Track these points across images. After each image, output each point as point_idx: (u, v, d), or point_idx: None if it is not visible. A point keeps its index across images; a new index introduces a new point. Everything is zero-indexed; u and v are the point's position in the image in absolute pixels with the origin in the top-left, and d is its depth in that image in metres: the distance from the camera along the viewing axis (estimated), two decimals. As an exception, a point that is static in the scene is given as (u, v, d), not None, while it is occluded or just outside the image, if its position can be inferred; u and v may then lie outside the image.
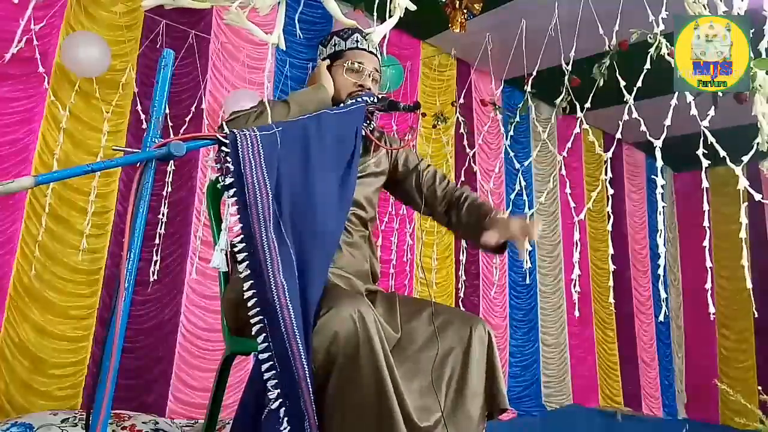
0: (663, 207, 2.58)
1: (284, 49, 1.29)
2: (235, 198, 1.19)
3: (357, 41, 1.61)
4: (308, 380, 1.13)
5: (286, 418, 1.12)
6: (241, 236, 1.17)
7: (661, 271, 2.32)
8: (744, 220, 2.07)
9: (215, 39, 3.86)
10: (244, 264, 1.16)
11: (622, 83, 2.76)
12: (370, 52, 1.62)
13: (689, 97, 2.25)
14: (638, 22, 2.57)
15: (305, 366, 1.13)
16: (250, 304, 1.15)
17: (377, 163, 1.65)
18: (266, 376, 1.13)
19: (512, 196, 4.36)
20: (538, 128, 3.99)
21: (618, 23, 2.86)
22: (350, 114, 1.46)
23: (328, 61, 1.62)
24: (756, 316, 2.42)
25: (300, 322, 1.14)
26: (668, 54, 2.40)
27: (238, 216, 1.18)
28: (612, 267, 2.89)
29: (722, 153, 2.21)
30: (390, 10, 1.36)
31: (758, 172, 2.54)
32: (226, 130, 1.25)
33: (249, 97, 3.57)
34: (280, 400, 1.12)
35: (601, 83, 2.97)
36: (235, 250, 1.18)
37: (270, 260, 1.16)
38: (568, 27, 3.38)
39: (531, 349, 5.49)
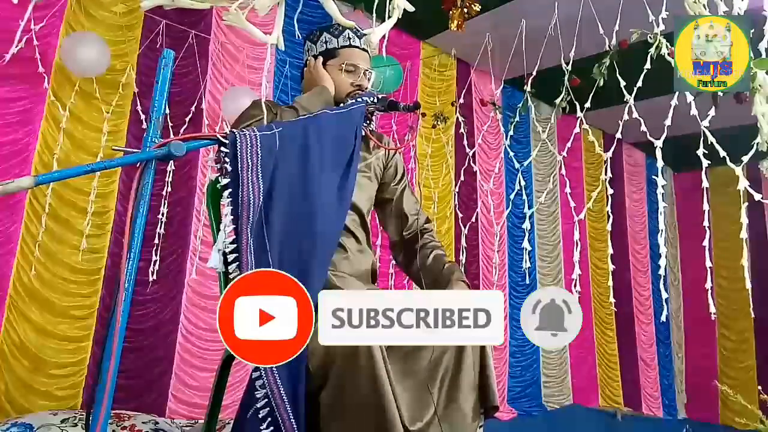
0: (663, 207, 2.58)
1: (283, 49, 1.29)
2: (231, 199, 1.19)
3: (349, 38, 1.61)
4: (278, 382, 1.14)
5: (269, 419, 1.13)
6: (233, 237, 1.18)
7: (662, 272, 2.32)
8: (744, 220, 2.07)
9: (215, 39, 3.86)
10: (234, 265, 1.17)
11: (622, 83, 2.76)
12: (363, 50, 1.62)
13: (689, 97, 2.25)
14: (638, 22, 2.58)
15: (274, 370, 1.14)
16: None
17: (377, 164, 1.65)
18: (254, 375, 1.15)
19: (512, 196, 4.37)
20: (538, 128, 3.99)
21: (618, 23, 2.86)
22: (350, 114, 1.46)
23: (321, 59, 1.62)
24: (754, 315, 2.43)
25: None
26: (668, 54, 2.40)
27: (232, 217, 1.19)
28: (612, 267, 2.89)
29: (722, 153, 2.22)
30: (389, 11, 1.36)
31: (758, 172, 2.54)
32: (226, 129, 1.25)
33: (245, 94, 3.57)
34: (266, 400, 1.14)
35: (601, 83, 2.97)
36: (227, 250, 1.18)
37: (251, 263, 1.17)
38: (568, 27, 3.38)
39: (531, 349, 5.49)
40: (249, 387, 1.26)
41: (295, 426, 1.14)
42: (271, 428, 1.13)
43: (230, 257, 1.18)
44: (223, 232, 1.24)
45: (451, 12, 3.14)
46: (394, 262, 1.77)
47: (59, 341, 3.15)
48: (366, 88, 1.59)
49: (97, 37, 3.22)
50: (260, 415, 1.13)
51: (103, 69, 3.23)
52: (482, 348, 1.41)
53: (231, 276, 1.17)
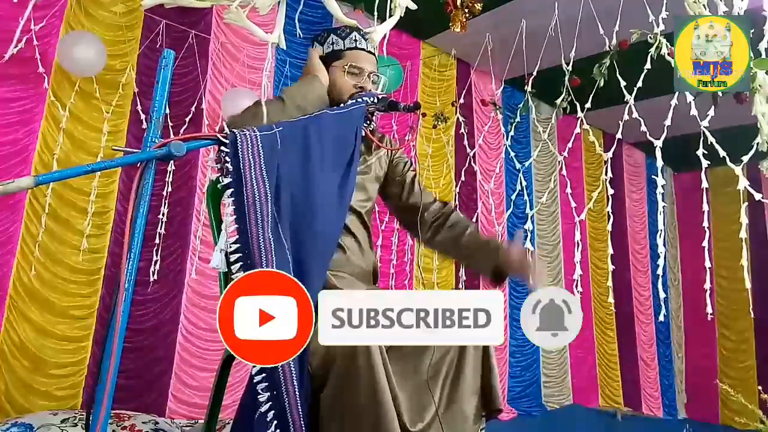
0: (663, 207, 2.58)
1: (284, 48, 1.29)
2: (234, 198, 1.19)
3: (356, 41, 1.60)
4: (295, 383, 1.12)
5: (275, 422, 1.12)
6: (237, 236, 1.17)
7: (660, 271, 2.32)
8: (744, 220, 2.07)
9: (215, 39, 3.86)
10: (238, 265, 1.16)
11: (622, 83, 2.76)
12: (368, 52, 1.62)
13: (689, 97, 2.25)
14: (638, 22, 2.58)
15: (292, 369, 1.12)
16: None
17: (378, 164, 1.65)
18: (257, 378, 1.13)
19: (513, 196, 4.36)
20: (538, 128, 4.00)
21: (618, 23, 2.86)
22: (350, 114, 1.46)
23: (320, 50, 1.61)
24: (753, 315, 2.42)
25: None
26: (668, 54, 2.40)
27: (235, 216, 1.18)
28: (612, 267, 2.89)
29: (722, 153, 2.21)
30: (390, 10, 1.36)
31: (758, 172, 2.54)
32: (227, 131, 1.25)
33: (245, 95, 3.57)
34: (270, 403, 1.12)
35: (601, 83, 2.97)
36: (229, 250, 1.17)
37: (266, 261, 1.16)
38: (568, 27, 3.38)
39: (531, 349, 5.49)
40: (249, 387, 1.26)
41: (304, 427, 1.13)
42: (278, 430, 1.12)
43: (233, 257, 1.17)
44: (225, 232, 1.23)
45: (452, 13, 3.14)
46: (410, 240, 1.76)
47: (59, 341, 3.15)
48: (369, 90, 1.58)
49: (93, 36, 3.22)
50: (268, 418, 1.12)
51: (100, 68, 3.23)
52: (485, 350, 1.41)
53: (233, 275, 1.16)
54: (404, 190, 1.66)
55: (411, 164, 1.72)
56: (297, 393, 1.13)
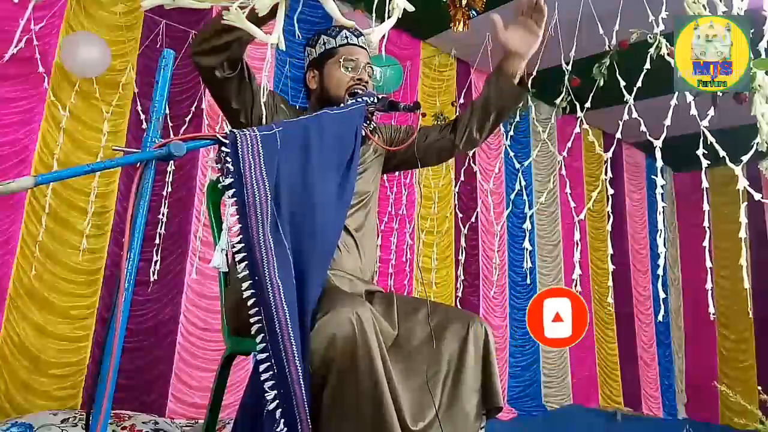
0: (663, 207, 2.58)
1: (284, 49, 1.28)
2: (235, 198, 1.19)
3: (347, 37, 1.61)
4: (301, 383, 1.12)
5: (282, 419, 1.11)
6: (240, 236, 1.17)
7: (661, 271, 2.32)
8: (744, 220, 2.07)
9: (215, 39, 3.86)
10: (243, 264, 1.16)
11: (622, 83, 2.76)
12: (361, 47, 1.63)
13: (689, 97, 2.24)
14: (638, 22, 2.57)
15: (299, 368, 1.12)
16: (249, 303, 1.14)
17: (375, 149, 1.66)
18: (264, 377, 1.13)
19: (512, 196, 4.36)
20: (538, 128, 3.99)
21: (618, 23, 2.86)
22: (350, 114, 1.46)
23: (313, 52, 1.64)
24: (752, 315, 2.42)
25: (296, 323, 1.14)
26: (668, 54, 2.40)
27: (237, 216, 1.18)
28: (612, 267, 2.89)
29: (722, 153, 2.21)
30: (389, 10, 1.36)
31: (758, 172, 2.54)
32: (226, 129, 1.25)
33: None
34: (277, 401, 1.12)
35: (601, 83, 2.97)
36: (234, 250, 1.17)
37: (267, 260, 1.16)
38: (568, 27, 3.38)
39: (531, 349, 5.49)
40: (249, 387, 1.26)
41: (310, 425, 1.13)
42: (286, 429, 1.11)
43: (238, 256, 1.17)
44: (225, 232, 1.23)
45: (453, 12, 3.13)
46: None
47: (59, 341, 3.15)
48: (367, 82, 1.59)
49: (96, 37, 3.22)
50: (276, 416, 1.11)
51: (104, 69, 3.23)
52: (485, 347, 1.42)
53: (240, 275, 1.16)
54: (422, 148, 1.67)
55: (408, 130, 1.73)
56: (303, 390, 1.12)
